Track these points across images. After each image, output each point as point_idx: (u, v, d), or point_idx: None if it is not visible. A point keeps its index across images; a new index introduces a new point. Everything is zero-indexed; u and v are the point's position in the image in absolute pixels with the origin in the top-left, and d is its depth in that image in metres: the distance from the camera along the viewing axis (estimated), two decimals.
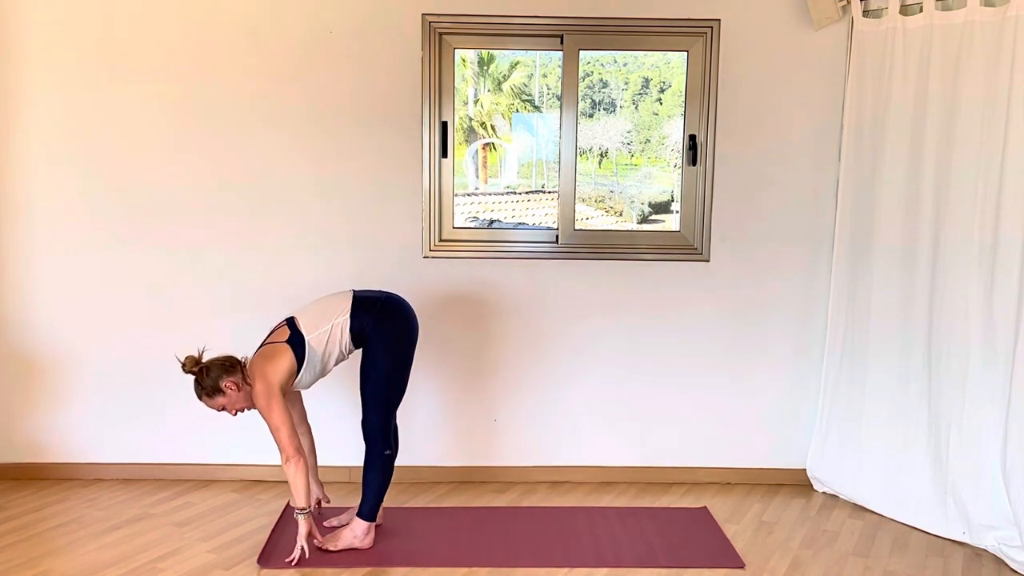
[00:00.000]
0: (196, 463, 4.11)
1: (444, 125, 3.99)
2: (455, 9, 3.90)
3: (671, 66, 4.57)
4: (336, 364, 3.35)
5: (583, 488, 4.12)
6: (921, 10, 3.59)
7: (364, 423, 3.30)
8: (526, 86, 5.15)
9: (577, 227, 4.14)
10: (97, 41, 3.88)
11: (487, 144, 5.07)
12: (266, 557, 3.31)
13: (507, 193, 4.97)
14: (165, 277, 4.01)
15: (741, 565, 3.33)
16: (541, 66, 4.84)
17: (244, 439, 3.86)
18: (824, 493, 4.08)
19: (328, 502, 3.67)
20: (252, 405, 3.23)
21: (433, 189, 4.01)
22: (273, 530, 3.54)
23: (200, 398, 3.24)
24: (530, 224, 4.81)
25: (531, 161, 5.02)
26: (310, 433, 3.58)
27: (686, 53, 4.02)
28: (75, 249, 3.99)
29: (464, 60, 4.48)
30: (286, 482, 3.37)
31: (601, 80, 4.69)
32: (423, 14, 3.89)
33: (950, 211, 3.51)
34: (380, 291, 3.44)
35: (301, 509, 3.19)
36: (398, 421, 3.46)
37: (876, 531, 3.67)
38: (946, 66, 3.51)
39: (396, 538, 3.49)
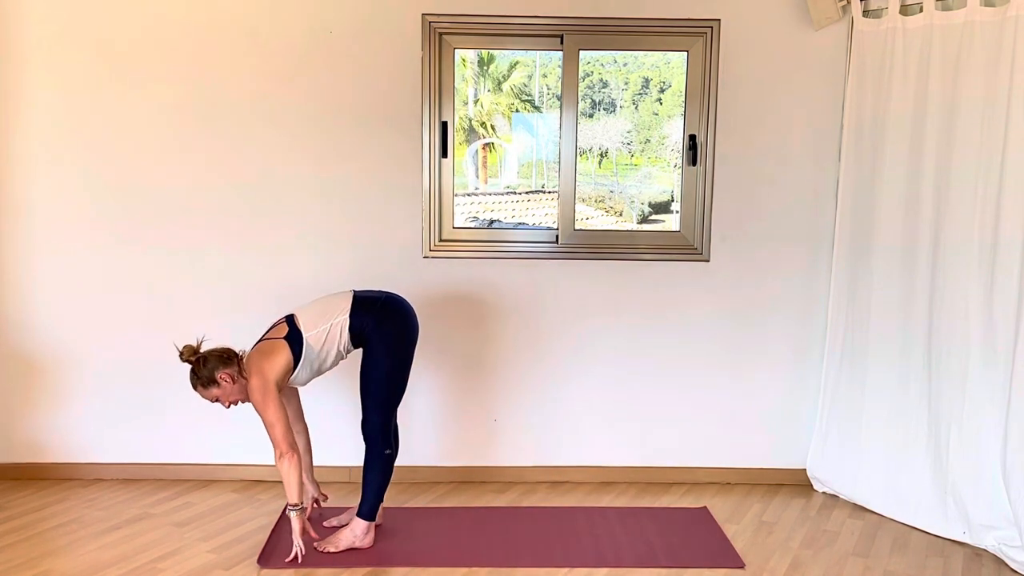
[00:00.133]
0: (196, 463, 4.12)
1: (444, 125, 3.99)
2: (455, 9, 3.90)
3: (671, 66, 4.56)
4: (334, 363, 3.35)
5: (583, 488, 4.12)
6: (921, 10, 3.59)
7: (364, 423, 3.30)
8: (526, 86, 5.14)
9: (577, 227, 4.14)
10: (97, 41, 3.88)
11: (487, 144, 5.06)
12: (266, 557, 3.31)
13: (507, 193, 4.97)
14: (165, 277, 4.02)
15: (741, 565, 3.33)
16: (541, 66, 4.84)
17: (244, 439, 3.86)
18: (824, 493, 4.08)
19: (326, 500, 3.67)
20: (246, 398, 3.24)
21: (433, 189, 4.01)
22: (273, 530, 3.54)
23: (195, 388, 3.25)
24: (530, 224, 4.81)
25: (531, 161, 5.01)
26: (306, 432, 3.58)
27: (686, 53, 4.02)
28: (75, 249, 3.99)
29: (464, 60, 4.48)
30: None
31: (601, 80, 4.69)
32: (423, 14, 3.90)
33: (950, 211, 3.51)
34: (380, 291, 3.44)
35: (294, 505, 3.20)
36: (398, 421, 3.46)
37: (876, 531, 3.67)
38: (946, 66, 3.51)
39: (396, 538, 3.49)
